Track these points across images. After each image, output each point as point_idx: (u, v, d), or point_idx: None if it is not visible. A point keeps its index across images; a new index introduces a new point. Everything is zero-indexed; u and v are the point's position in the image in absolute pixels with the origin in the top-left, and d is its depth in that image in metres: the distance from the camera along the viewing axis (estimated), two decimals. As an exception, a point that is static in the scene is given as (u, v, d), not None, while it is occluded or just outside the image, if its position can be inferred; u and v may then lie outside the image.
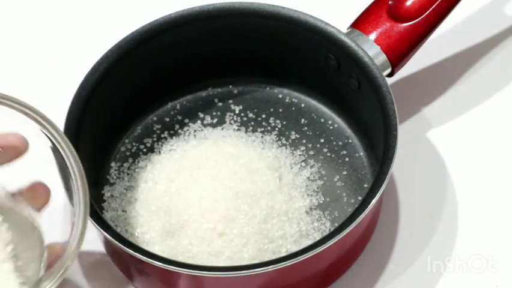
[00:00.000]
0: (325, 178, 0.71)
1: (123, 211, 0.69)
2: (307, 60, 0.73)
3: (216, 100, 0.76)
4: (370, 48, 0.69)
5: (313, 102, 0.75)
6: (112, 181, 0.71)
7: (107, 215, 0.69)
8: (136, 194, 0.70)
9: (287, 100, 0.76)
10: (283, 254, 0.65)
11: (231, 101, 0.76)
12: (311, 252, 0.60)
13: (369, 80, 0.68)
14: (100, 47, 0.70)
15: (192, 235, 0.66)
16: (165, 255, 0.64)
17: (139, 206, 0.69)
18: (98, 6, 0.85)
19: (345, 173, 0.71)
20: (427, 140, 0.75)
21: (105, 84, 0.69)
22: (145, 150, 0.73)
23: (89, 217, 0.62)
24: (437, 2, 0.70)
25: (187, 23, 0.72)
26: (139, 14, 0.77)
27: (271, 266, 0.60)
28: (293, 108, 0.75)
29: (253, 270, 0.60)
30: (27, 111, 0.59)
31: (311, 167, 0.71)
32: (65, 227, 0.60)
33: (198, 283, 0.64)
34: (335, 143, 0.73)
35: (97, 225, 0.62)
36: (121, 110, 0.73)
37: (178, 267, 0.61)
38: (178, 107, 0.76)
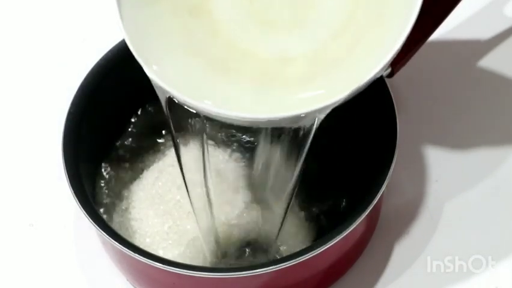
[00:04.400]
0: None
1: (123, 211, 0.69)
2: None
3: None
4: (370, 49, 0.69)
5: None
6: (112, 181, 0.71)
7: (107, 215, 0.69)
8: (136, 194, 0.70)
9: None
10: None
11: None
12: (311, 253, 0.60)
13: (369, 80, 0.68)
14: (100, 48, 0.70)
15: (190, 239, 0.66)
16: (166, 256, 0.64)
17: (139, 206, 0.69)
18: (99, 7, 0.85)
19: (344, 173, 0.71)
20: (427, 140, 0.75)
21: (105, 84, 0.69)
22: (145, 150, 0.73)
23: (90, 219, 0.62)
24: (437, 3, 0.70)
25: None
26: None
27: (271, 267, 0.60)
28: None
29: (253, 271, 0.60)
30: None
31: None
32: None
33: (197, 284, 0.64)
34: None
35: (97, 227, 0.62)
36: (121, 110, 0.73)
37: (179, 268, 0.61)
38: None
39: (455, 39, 0.80)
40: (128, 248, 0.61)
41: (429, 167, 0.74)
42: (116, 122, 0.73)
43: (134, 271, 0.67)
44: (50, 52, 0.83)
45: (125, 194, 0.70)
